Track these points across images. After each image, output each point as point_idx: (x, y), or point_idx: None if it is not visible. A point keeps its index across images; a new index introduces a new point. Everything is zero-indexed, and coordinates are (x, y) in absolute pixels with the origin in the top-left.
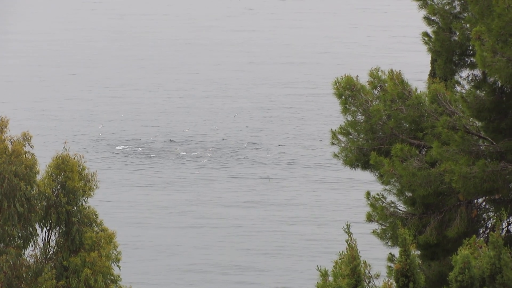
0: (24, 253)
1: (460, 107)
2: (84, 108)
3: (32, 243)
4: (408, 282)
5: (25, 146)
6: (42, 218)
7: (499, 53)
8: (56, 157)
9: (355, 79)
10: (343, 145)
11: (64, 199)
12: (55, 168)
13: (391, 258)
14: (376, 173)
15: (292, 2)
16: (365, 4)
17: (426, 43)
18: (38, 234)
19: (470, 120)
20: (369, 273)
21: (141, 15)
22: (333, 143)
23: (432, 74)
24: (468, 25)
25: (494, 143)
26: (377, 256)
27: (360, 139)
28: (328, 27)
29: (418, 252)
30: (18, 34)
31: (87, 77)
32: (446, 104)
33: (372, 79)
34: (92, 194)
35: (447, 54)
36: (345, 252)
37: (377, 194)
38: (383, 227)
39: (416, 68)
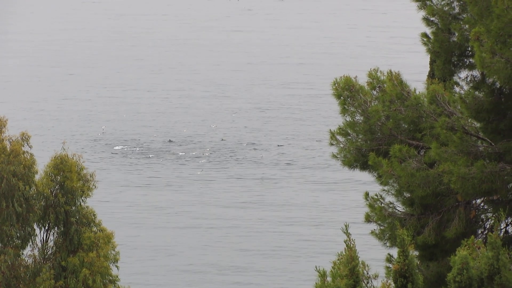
0: (23, 253)
1: (459, 108)
2: (83, 108)
3: (31, 243)
4: (407, 283)
5: (23, 146)
6: (40, 218)
7: (498, 54)
8: (54, 157)
9: (354, 79)
10: (341, 145)
11: (62, 199)
12: (54, 168)
13: (389, 259)
14: (375, 174)
15: (291, 3)
16: (364, 5)
17: (425, 43)
18: (36, 234)
19: (469, 121)
20: (367, 273)
21: (141, 15)
22: (332, 144)
23: (431, 75)
24: (467, 26)
25: (493, 144)
26: (376, 256)
27: (359, 140)
28: (327, 27)
29: (416, 253)
30: (17, 34)
31: (86, 77)
32: (445, 104)
33: (371, 80)
34: (90, 194)
35: (446, 55)
36: (344, 253)
37: (376, 195)
38: (381, 227)
39: (415, 68)
